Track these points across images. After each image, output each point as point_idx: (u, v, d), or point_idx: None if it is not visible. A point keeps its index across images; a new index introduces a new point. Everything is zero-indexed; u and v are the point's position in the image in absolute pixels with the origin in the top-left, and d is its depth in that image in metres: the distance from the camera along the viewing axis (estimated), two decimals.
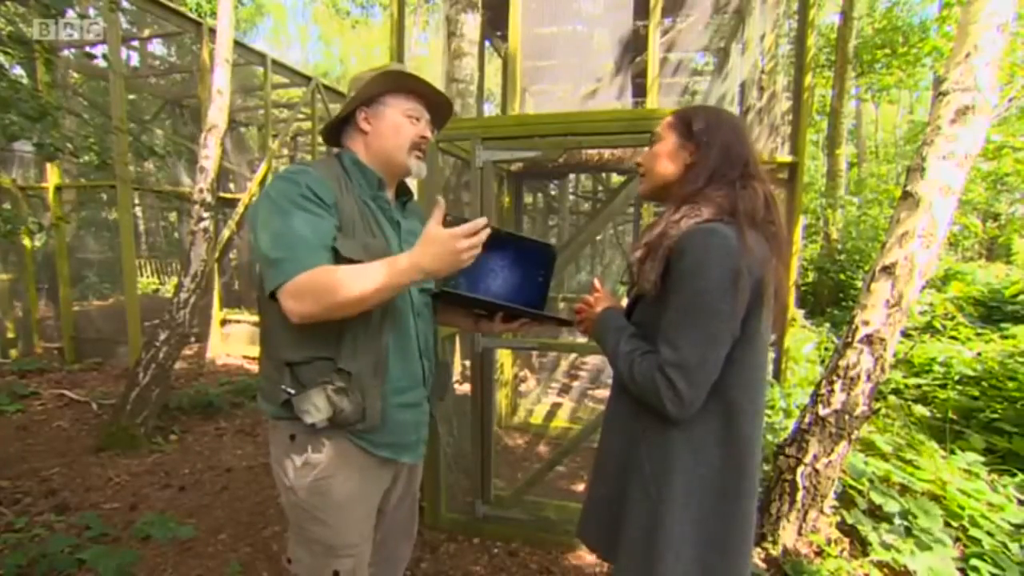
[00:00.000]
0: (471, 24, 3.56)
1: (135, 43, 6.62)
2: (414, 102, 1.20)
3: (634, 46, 4.60)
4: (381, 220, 1.18)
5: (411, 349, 1.19)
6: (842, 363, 2.12)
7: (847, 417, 2.09)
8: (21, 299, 5.57)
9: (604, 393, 4.74)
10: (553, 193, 7.27)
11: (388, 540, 1.37)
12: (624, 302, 1.18)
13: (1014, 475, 2.68)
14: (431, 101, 1.23)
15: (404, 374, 1.17)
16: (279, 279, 0.99)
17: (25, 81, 4.15)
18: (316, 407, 1.05)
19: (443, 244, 0.96)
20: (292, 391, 1.07)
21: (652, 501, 0.97)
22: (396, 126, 1.17)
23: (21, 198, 5.21)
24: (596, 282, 1.23)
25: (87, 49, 5.02)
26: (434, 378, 1.30)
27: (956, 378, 4.01)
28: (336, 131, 1.24)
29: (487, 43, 5.78)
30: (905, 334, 4.21)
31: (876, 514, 2.28)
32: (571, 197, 8.08)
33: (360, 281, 0.97)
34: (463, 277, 1.28)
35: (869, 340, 2.07)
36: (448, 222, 1.31)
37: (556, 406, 4.52)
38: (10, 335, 5.45)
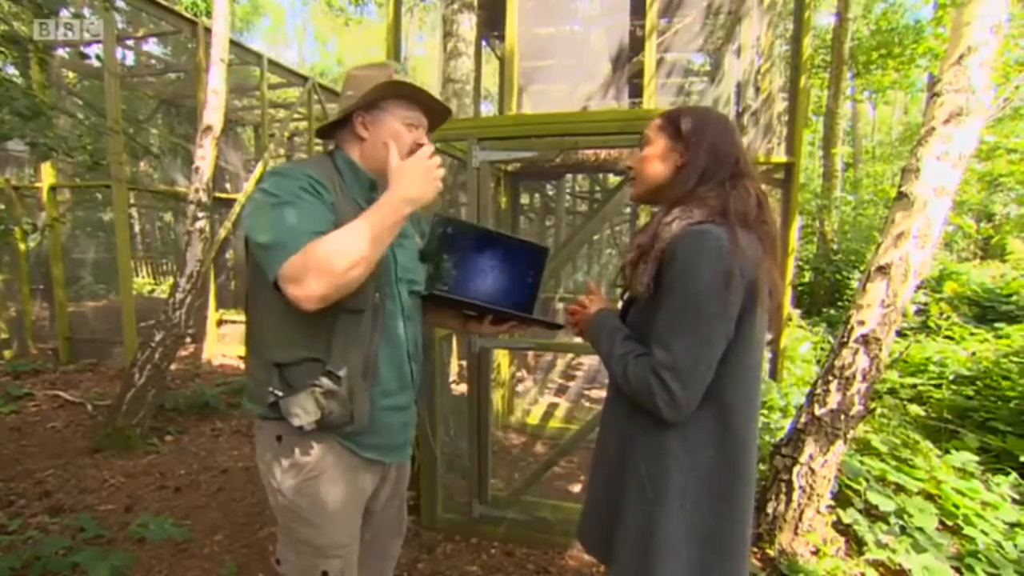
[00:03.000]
0: (467, 24, 3.56)
1: (130, 42, 6.59)
2: (414, 110, 1.18)
3: (631, 46, 4.61)
4: None
5: (400, 352, 1.19)
6: (838, 363, 2.13)
7: (843, 417, 2.10)
8: (15, 300, 5.53)
9: (600, 393, 4.74)
10: (550, 193, 7.27)
11: (378, 539, 1.37)
12: (619, 303, 1.18)
13: (1008, 474, 2.70)
14: (430, 108, 1.22)
15: (393, 376, 1.17)
16: (273, 270, 0.96)
17: (19, 80, 4.13)
18: (304, 410, 1.03)
19: (412, 169, 1.03)
20: (280, 393, 1.06)
21: (648, 502, 0.97)
22: (395, 134, 1.16)
23: (15, 198, 5.18)
24: (590, 283, 1.23)
25: (82, 49, 5.00)
26: (420, 381, 1.30)
27: (951, 378, 4.03)
28: (331, 130, 1.23)
29: (484, 43, 5.77)
30: (900, 334, 4.23)
31: (872, 513, 2.29)
32: (568, 197, 8.08)
33: (350, 239, 0.95)
34: (452, 277, 1.28)
35: (865, 340, 2.08)
36: (440, 223, 1.31)
37: (553, 406, 4.52)
38: (4, 336, 5.41)
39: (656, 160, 1.06)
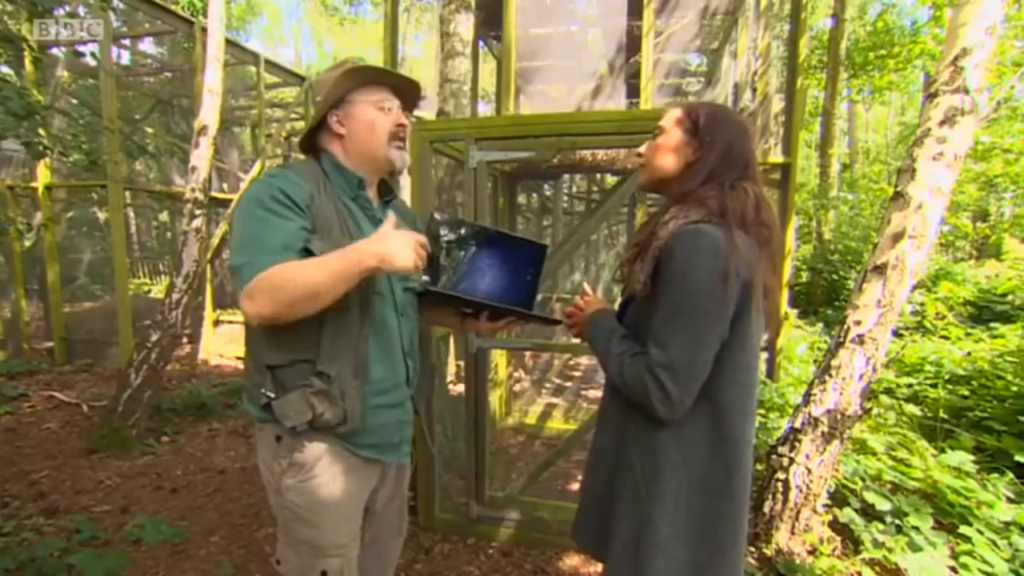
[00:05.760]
0: (465, 24, 3.55)
1: (126, 41, 6.57)
2: (382, 92, 1.18)
3: (628, 47, 4.61)
4: (361, 220, 1.17)
5: (394, 349, 1.18)
6: (834, 363, 2.13)
7: (839, 416, 2.10)
8: (9, 300, 5.50)
9: (597, 394, 4.74)
10: (547, 194, 7.27)
11: (378, 539, 1.37)
12: (617, 304, 1.19)
13: (1003, 473, 2.71)
14: (398, 87, 1.22)
15: (386, 374, 1.16)
16: (240, 285, 1.00)
17: (13, 79, 4.11)
18: (296, 411, 1.04)
19: (399, 236, 1.00)
20: (272, 395, 1.06)
21: (642, 501, 0.98)
22: (369, 122, 1.16)
23: (10, 198, 5.15)
24: (586, 286, 1.24)
25: (77, 48, 4.98)
26: (419, 379, 1.29)
27: (946, 377, 4.04)
28: (312, 138, 1.22)
29: (481, 43, 5.77)
30: (896, 334, 4.25)
31: (868, 513, 2.30)
32: (565, 198, 8.09)
33: (311, 272, 0.97)
34: (449, 275, 1.28)
35: (861, 340, 2.08)
36: (438, 221, 1.30)
37: (550, 406, 4.52)
38: None
39: (668, 152, 1.06)
